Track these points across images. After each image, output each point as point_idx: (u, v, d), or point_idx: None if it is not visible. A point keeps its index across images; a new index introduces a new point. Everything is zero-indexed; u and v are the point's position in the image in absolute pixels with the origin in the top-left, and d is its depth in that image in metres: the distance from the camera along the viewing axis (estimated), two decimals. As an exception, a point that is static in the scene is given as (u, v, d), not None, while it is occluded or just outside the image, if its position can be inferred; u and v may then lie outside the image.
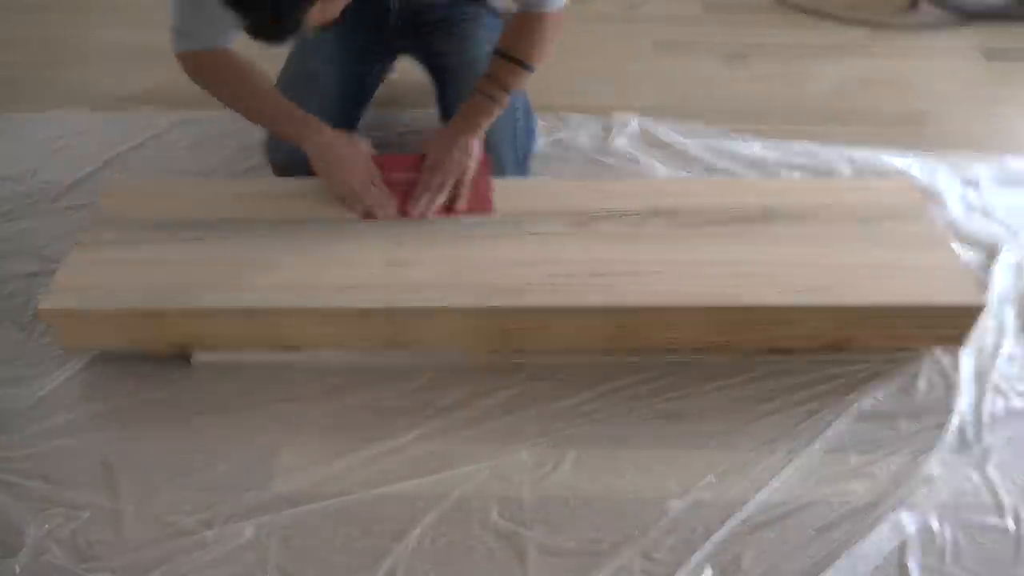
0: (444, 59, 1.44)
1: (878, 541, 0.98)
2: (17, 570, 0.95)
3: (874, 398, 1.14)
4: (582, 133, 1.64)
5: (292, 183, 1.32)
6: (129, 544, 0.98)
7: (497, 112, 1.26)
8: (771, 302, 1.10)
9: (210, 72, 1.26)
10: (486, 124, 1.26)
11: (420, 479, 1.05)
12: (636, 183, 1.37)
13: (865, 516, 1.01)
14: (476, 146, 1.25)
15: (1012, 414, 1.12)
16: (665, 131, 1.63)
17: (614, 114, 1.66)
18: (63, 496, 1.03)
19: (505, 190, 1.28)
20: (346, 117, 1.42)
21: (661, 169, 1.54)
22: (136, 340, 1.14)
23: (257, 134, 1.64)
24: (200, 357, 1.18)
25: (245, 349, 1.16)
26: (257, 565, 0.96)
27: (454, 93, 1.39)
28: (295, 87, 1.36)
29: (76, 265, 1.15)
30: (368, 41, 1.44)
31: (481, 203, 1.23)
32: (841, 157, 1.57)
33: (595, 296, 1.10)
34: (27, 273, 1.33)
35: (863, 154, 1.58)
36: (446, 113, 1.43)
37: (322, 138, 1.22)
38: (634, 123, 1.64)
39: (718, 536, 0.99)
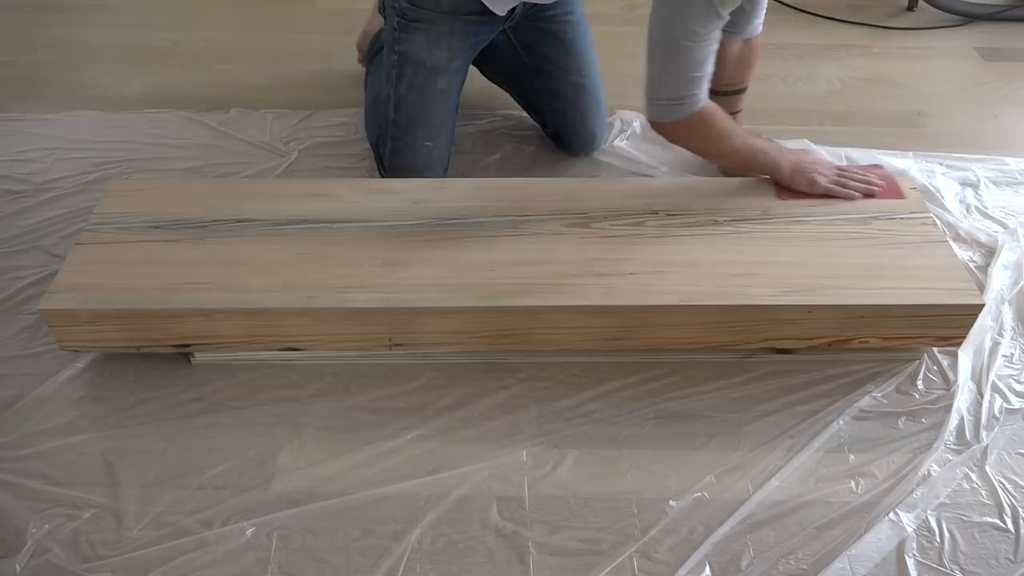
0: (542, 43, 1.48)
1: (877, 540, 0.98)
2: (17, 570, 0.95)
3: (873, 398, 1.14)
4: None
5: (292, 183, 1.32)
6: (129, 544, 0.98)
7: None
8: (771, 302, 1.10)
9: (696, 132, 1.24)
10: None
11: (420, 479, 1.05)
12: (636, 183, 1.37)
13: (864, 515, 1.01)
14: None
15: (1011, 414, 1.13)
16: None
17: (615, 114, 1.66)
18: (63, 496, 1.03)
19: (505, 190, 1.28)
20: (454, 125, 1.48)
21: (661, 169, 1.55)
22: (136, 340, 1.14)
23: (254, 131, 1.64)
24: (200, 357, 1.18)
25: (245, 349, 1.16)
26: (257, 565, 0.96)
27: (561, 64, 1.48)
28: (420, 103, 1.40)
29: (77, 265, 1.15)
30: (481, 43, 1.45)
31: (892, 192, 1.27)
32: (841, 157, 1.57)
33: (595, 296, 1.10)
34: (33, 272, 1.33)
35: (863, 154, 1.58)
36: (530, 94, 1.56)
37: (790, 155, 1.28)
38: (635, 123, 1.64)
39: (718, 536, 0.99)
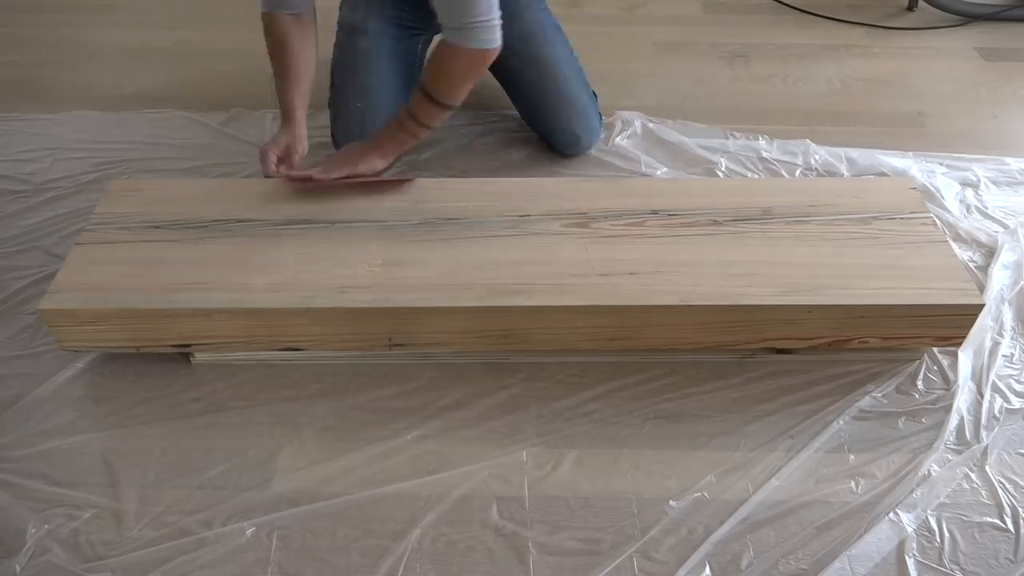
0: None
1: (877, 540, 0.98)
2: (17, 570, 0.95)
3: (873, 398, 1.14)
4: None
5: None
6: (129, 544, 0.98)
7: (410, 142, 1.30)
8: (771, 302, 1.10)
9: (269, 36, 1.32)
10: (392, 150, 1.30)
11: (420, 479, 1.05)
12: (636, 183, 1.37)
13: (864, 515, 1.01)
14: (377, 163, 1.28)
15: (1011, 414, 1.13)
16: (665, 131, 1.63)
17: (615, 114, 1.66)
18: (63, 496, 1.03)
19: (505, 190, 1.28)
20: (403, 93, 1.46)
21: (661, 169, 1.55)
22: (136, 340, 1.14)
23: (254, 131, 1.64)
24: (200, 357, 1.18)
25: (245, 349, 1.16)
26: (257, 565, 0.96)
27: (518, 62, 1.47)
28: (347, 64, 1.47)
29: (76, 265, 1.15)
30: (421, 15, 1.47)
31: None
32: (841, 157, 1.57)
33: (595, 296, 1.10)
34: (33, 272, 1.33)
35: (863, 154, 1.58)
36: (509, 86, 1.55)
37: (284, 129, 1.30)
38: (635, 123, 1.64)
39: (718, 536, 0.99)
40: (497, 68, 1.49)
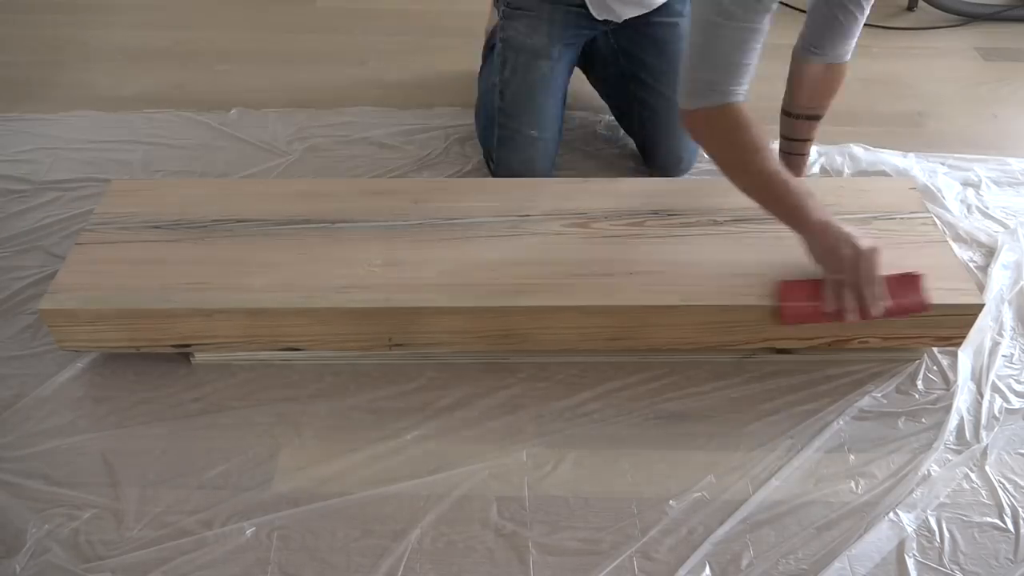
0: (643, 49, 1.46)
1: (877, 540, 0.98)
2: (17, 570, 0.95)
3: (873, 398, 1.14)
4: (585, 133, 1.64)
5: (292, 183, 1.32)
6: (129, 544, 0.98)
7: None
8: (771, 302, 1.10)
9: (720, 130, 1.08)
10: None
11: (420, 479, 1.05)
12: (636, 183, 1.37)
13: (864, 515, 1.01)
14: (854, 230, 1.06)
15: (1011, 414, 1.13)
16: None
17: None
18: (63, 496, 1.03)
19: (505, 190, 1.28)
20: (561, 120, 1.47)
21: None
22: (136, 340, 1.14)
23: (254, 131, 1.65)
24: (200, 357, 1.18)
25: (245, 349, 1.16)
26: (257, 565, 0.96)
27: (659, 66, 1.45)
28: (524, 88, 1.42)
29: (77, 265, 1.15)
30: (583, 36, 1.46)
31: (914, 295, 1.05)
32: (841, 157, 1.57)
33: (595, 296, 1.10)
34: (33, 272, 1.33)
35: (863, 154, 1.58)
36: (624, 100, 1.52)
37: (840, 226, 1.04)
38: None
39: (718, 536, 0.99)
40: (634, 59, 1.47)
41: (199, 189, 1.31)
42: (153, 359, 1.18)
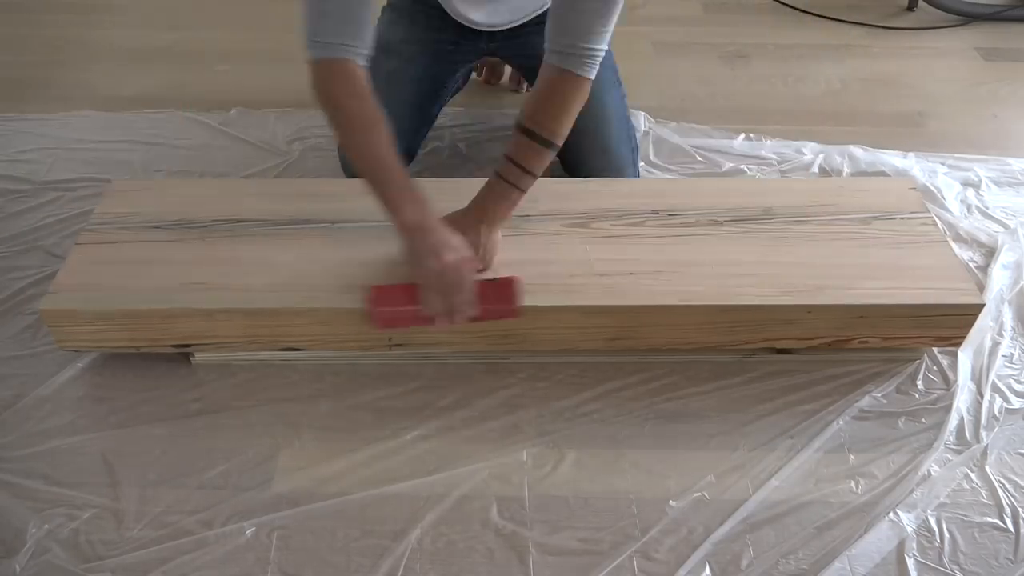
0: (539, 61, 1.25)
1: (877, 540, 0.98)
2: (17, 570, 0.95)
3: (873, 398, 1.14)
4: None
5: (292, 183, 1.32)
6: (129, 544, 0.98)
7: (517, 200, 1.10)
8: (771, 302, 1.10)
9: (337, 91, 1.01)
10: (505, 213, 1.10)
11: (420, 479, 1.05)
12: (636, 183, 1.37)
13: (864, 515, 1.01)
14: (496, 241, 1.11)
15: (1011, 414, 1.13)
16: (665, 131, 1.63)
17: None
18: (63, 496, 1.03)
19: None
20: (420, 117, 1.42)
21: (662, 169, 1.54)
22: (136, 340, 1.14)
23: (254, 131, 1.65)
24: (200, 357, 1.18)
25: (245, 349, 1.16)
26: (257, 565, 0.96)
27: None
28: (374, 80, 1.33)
29: (77, 265, 1.15)
30: (454, 42, 1.40)
31: (504, 303, 1.06)
32: (841, 157, 1.57)
33: (595, 296, 1.10)
34: (33, 272, 1.33)
35: (863, 154, 1.58)
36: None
37: (413, 224, 1.01)
38: (635, 124, 1.64)
39: (718, 536, 0.99)
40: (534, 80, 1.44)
41: (199, 189, 1.32)
42: (153, 359, 1.18)
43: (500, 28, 1.37)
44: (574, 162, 1.41)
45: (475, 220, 1.10)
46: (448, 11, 1.34)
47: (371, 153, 1.02)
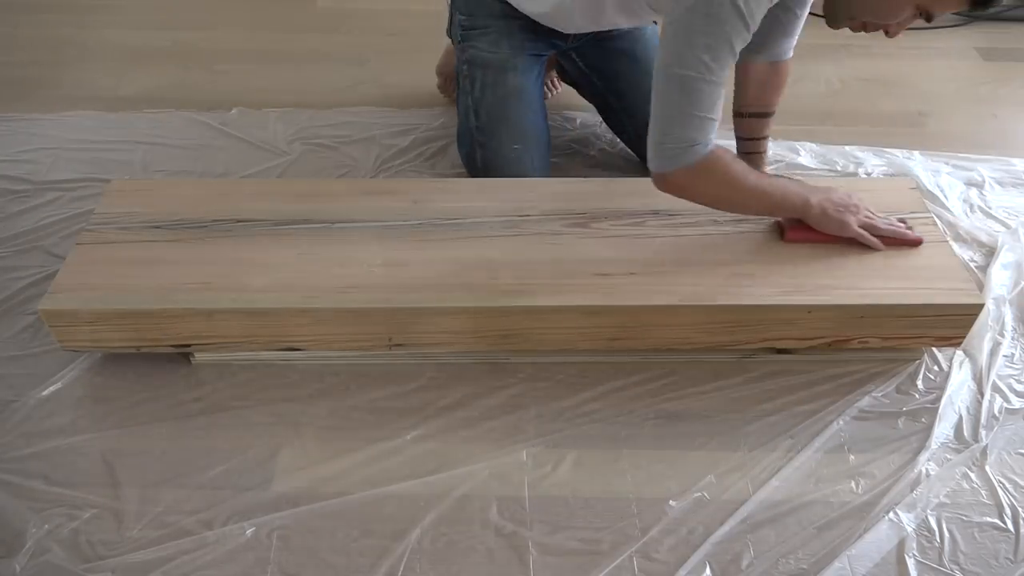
0: (613, 62, 1.46)
1: (877, 540, 0.98)
2: (17, 570, 0.95)
3: (873, 398, 1.14)
4: (586, 134, 1.64)
5: (292, 183, 1.32)
6: (129, 544, 0.98)
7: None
8: (771, 302, 1.10)
9: (711, 178, 1.09)
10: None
11: (420, 479, 1.05)
12: (636, 183, 1.37)
13: (864, 515, 1.01)
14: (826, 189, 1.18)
15: (1011, 414, 1.13)
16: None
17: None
18: (63, 496, 1.03)
19: (505, 190, 1.28)
20: (545, 129, 1.45)
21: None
22: (136, 340, 1.14)
23: (254, 131, 1.65)
24: (200, 357, 1.18)
25: (245, 349, 1.16)
26: (257, 565, 0.96)
27: (628, 92, 1.45)
28: (497, 103, 1.39)
29: (77, 265, 1.15)
30: (548, 41, 1.44)
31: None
32: (841, 157, 1.57)
33: (595, 296, 1.10)
34: (33, 272, 1.33)
35: (863, 154, 1.58)
36: (609, 112, 1.50)
37: (818, 192, 1.16)
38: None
39: (718, 536, 0.99)
40: (607, 76, 1.48)
41: (199, 189, 1.32)
42: (153, 359, 1.18)
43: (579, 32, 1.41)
44: (640, 122, 1.40)
45: (808, 192, 1.15)
46: (542, 21, 1.38)
47: (759, 186, 1.12)
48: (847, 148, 1.59)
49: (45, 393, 1.15)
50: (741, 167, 1.10)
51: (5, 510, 1.01)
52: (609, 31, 1.43)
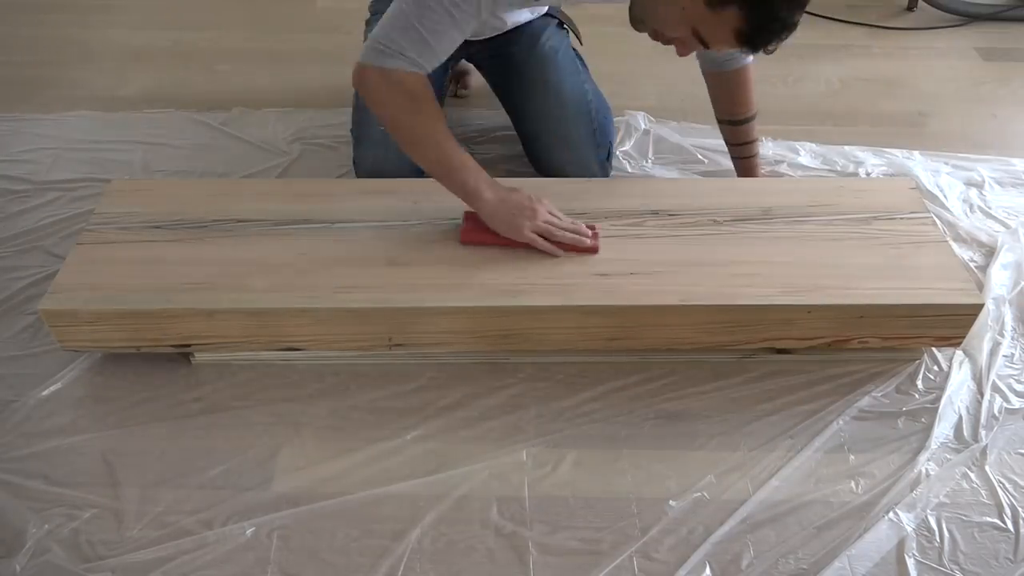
0: (511, 58, 1.43)
1: (877, 540, 0.98)
2: (17, 570, 0.95)
3: (873, 398, 1.14)
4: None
5: (292, 183, 1.32)
6: (129, 544, 0.98)
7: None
8: (771, 302, 1.10)
9: (397, 98, 1.10)
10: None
11: (420, 479, 1.05)
12: (636, 183, 1.37)
13: (864, 515, 1.01)
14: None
15: (1011, 414, 1.13)
16: (666, 131, 1.63)
17: (623, 114, 1.65)
18: (63, 496, 1.03)
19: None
20: None
21: (662, 169, 1.54)
22: (136, 340, 1.14)
23: (254, 131, 1.65)
24: (200, 357, 1.18)
25: (245, 349, 1.16)
26: (257, 565, 0.96)
27: (525, 86, 1.42)
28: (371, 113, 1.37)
29: (77, 265, 1.15)
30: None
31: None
32: (841, 157, 1.57)
33: (595, 296, 1.10)
34: (33, 272, 1.33)
35: (863, 154, 1.58)
36: (519, 103, 1.45)
37: (499, 190, 1.15)
38: (636, 123, 1.64)
39: (718, 536, 0.99)
40: (504, 91, 1.48)
41: (199, 189, 1.32)
42: (153, 359, 1.18)
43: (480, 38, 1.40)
44: (536, 154, 1.44)
45: (489, 186, 1.15)
46: None
47: (444, 142, 1.11)
48: (847, 148, 1.59)
49: (45, 393, 1.15)
50: (435, 118, 1.10)
51: (5, 510, 1.01)
52: (501, 39, 1.41)
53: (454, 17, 1.05)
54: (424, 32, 1.05)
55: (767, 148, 1.59)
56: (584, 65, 1.48)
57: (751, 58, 1.28)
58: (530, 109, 1.42)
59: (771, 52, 1.02)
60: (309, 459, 1.07)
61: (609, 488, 1.04)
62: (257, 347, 1.16)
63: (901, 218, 1.22)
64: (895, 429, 1.11)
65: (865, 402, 1.14)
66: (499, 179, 1.17)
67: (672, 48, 1.05)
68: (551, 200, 1.23)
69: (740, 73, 1.30)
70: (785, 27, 0.97)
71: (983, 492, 1.04)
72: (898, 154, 1.58)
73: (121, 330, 1.12)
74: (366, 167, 1.37)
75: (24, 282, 1.31)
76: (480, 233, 1.16)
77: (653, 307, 1.10)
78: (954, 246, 1.31)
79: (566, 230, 1.15)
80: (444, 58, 1.09)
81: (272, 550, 0.98)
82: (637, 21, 1.08)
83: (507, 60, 1.43)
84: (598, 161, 1.41)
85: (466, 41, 1.37)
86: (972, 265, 1.35)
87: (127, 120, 1.68)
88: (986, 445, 1.08)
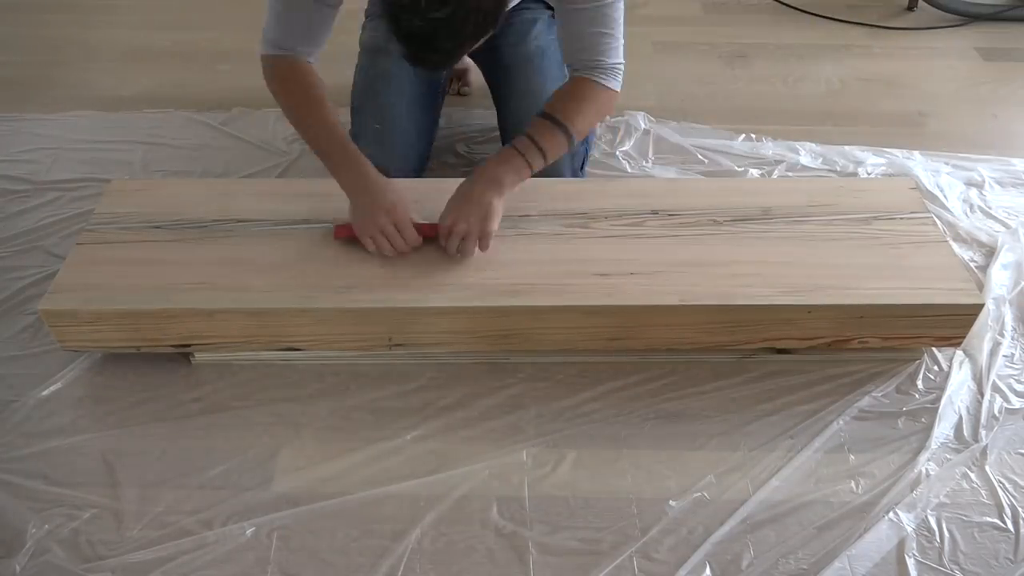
0: (498, 53, 1.43)
1: (877, 540, 0.98)
2: (17, 570, 0.95)
3: (873, 398, 1.14)
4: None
5: (292, 183, 1.32)
6: (129, 544, 0.98)
7: (527, 175, 1.16)
8: (771, 302, 1.10)
9: (286, 82, 1.19)
10: (512, 184, 1.15)
11: (420, 479, 1.05)
12: (636, 183, 1.37)
13: (864, 515, 1.01)
14: (497, 207, 1.13)
15: (1011, 414, 1.12)
16: (666, 131, 1.63)
17: (623, 115, 1.65)
18: (63, 496, 1.03)
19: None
20: (423, 116, 1.43)
21: (662, 169, 1.54)
22: (136, 340, 1.14)
23: (254, 131, 1.65)
24: (200, 357, 1.18)
25: (245, 349, 1.16)
26: (257, 565, 0.96)
27: (508, 89, 1.42)
28: (368, 85, 1.41)
29: (76, 265, 1.15)
30: None
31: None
32: (841, 157, 1.57)
33: (595, 296, 1.10)
34: (33, 272, 1.33)
35: (863, 154, 1.58)
36: (501, 107, 1.46)
37: (363, 196, 1.15)
38: (636, 123, 1.64)
39: (718, 535, 0.99)
40: (493, 83, 1.48)
41: (199, 189, 1.32)
42: (153, 359, 1.18)
43: None
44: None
45: (482, 187, 1.13)
46: None
47: (328, 121, 1.18)
48: (847, 148, 1.59)
49: (45, 393, 1.15)
50: (321, 92, 1.18)
51: (5, 510, 1.01)
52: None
53: (316, 5, 1.12)
54: (288, 12, 1.13)
55: (767, 150, 1.59)
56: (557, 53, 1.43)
57: (611, 83, 1.17)
58: (508, 110, 1.42)
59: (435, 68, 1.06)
60: (309, 459, 1.07)
61: (609, 488, 1.04)
62: (257, 347, 1.16)
63: (901, 218, 1.22)
64: (895, 429, 1.11)
65: (865, 402, 1.14)
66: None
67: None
68: (550, 201, 1.23)
69: (582, 84, 1.17)
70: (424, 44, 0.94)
71: (983, 492, 1.04)
72: (898, 154, 1.58)
73: (121, 330, 1.12)
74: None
75: (24, 282, 1.31)
76: (349, 229, 1.17)
77: (653, 307, 1.10)
78: (954, 246, 1.31)
79: (394, 246, 1.13)
80: (321, 39, 1.17)
81: (272, 550, 0.98)
82: None
83: (495, 53, 1.43)
84: (571, 169, 1.36)
85: None
86: (972, 265, 1.35)
87: (127, 120, 1.68)
88: (986, 445, 1.08)
